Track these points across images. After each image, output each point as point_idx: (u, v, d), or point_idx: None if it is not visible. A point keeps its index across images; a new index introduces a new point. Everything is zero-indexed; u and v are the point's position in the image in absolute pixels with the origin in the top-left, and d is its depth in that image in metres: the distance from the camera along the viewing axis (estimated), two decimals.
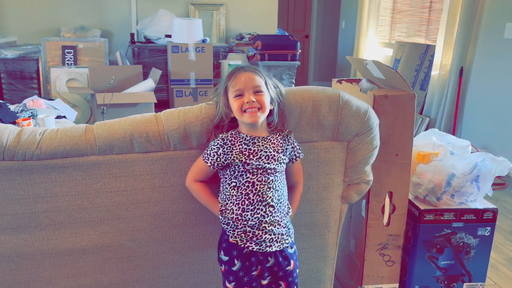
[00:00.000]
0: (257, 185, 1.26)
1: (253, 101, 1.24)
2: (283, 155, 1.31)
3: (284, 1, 7.08)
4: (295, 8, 7.35)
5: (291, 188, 1.41)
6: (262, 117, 1.26)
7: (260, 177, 1.26)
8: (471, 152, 1.88)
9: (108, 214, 1.40)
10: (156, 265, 1.49)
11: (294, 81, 4.74)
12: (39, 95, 4.09)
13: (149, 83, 3.99)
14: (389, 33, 5.68)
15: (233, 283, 1.32)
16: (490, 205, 1.76)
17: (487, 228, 1.75)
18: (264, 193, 1.26)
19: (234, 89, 1.26)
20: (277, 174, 1.29)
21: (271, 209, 1.27)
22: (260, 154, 1.27)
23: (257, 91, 1.26)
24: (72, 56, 4.41)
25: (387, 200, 1.68)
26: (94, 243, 1.41)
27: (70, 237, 1.39)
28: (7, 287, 1.41)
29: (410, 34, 5.19)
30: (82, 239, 1.40)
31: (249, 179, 1.26)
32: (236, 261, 1.30)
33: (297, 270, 1.38)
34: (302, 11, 7.39)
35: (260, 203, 1.26)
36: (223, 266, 1.33)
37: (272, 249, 1.28)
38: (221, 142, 1.28)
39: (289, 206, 1.36)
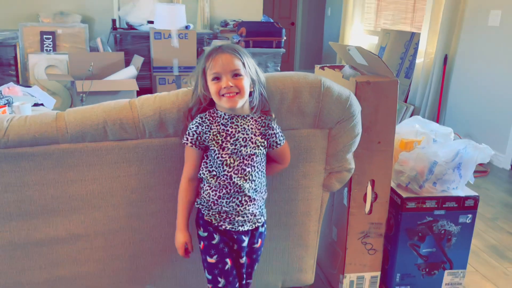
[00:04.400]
0: (234, 178, 1.25)
1: (231, 86, 1.19)
2: (261, 138, 1.28)
3: None
4: None
5: (274, 162, 1.39)
6: (240, 101, 1.22)
7: (237, 169, 1.25)
8: (454, 140, 1.87)
9: (83, 203, 1.35)
10: (134, 254, 1.46)
11: (279, 69, 4.70)
12: (17, 83, 3.98)
13: (131, 71, 3.91)
14: (374, 20, 5.65)
15: (215, 256, 1.31)
16: (472, 193, 1.76)
17: (468, 215, 1.75)
18: (241, 185, 1.26)
19: (212, 71, 1.21)
20: (253, 163, 1.27)
21: (246, 198, 1.28)
22: (238, 136, 1.25)
23: (236, 75, 1.21)
24: (51, 42, 4.29)
25: (369, 188, 1.66)
26: (68, 233, 1.37)
27: (42, 228, 1.35)
28: None
29: (396, 21, 5.18)
30: (56, 229, 1.36)
31: (226, 172, 1.25)
32: (215, 235, 1.31)
33: (262, 248, 1.41)
34: None
35: (237, 193, 1.27)
36: (203, 242, 1.33)
37: (244, 228, 1.31)
38: (199, 120, 1.25)
39: (266, 189, 1.35)
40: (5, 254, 1.35)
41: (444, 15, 3.95)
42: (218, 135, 1.24)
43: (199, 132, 1.24)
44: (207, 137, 1.24)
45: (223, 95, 1.20)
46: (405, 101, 4.52)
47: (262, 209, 1.35)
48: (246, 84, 1.22)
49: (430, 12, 4.17)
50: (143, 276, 1.50)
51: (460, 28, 3.91)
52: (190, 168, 1.29)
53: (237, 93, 1.20)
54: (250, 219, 1.31)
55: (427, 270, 1.80)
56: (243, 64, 1.22)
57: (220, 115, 1.25)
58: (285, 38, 4.63)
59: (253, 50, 4.40)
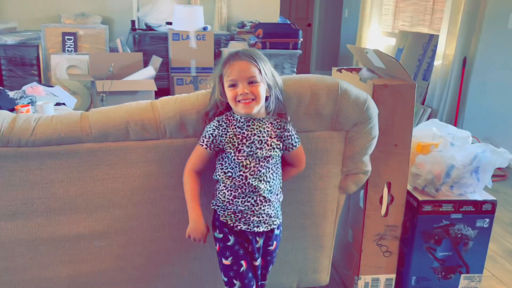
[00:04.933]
0: (249, 178, 1.27)
1: (247, 93, 1.22)
2: (277, 141, 1.30)
3: None
4: None
5: (290, 166, 1.41)
6: (256, 107, 1.25)
7: (253, 170, 1.27)
8: (472, 143, 1.86)
9: (105, 201, 1.39)
10: (153, 252, 1.49)
11: (295, 70, 4.70)
12: (39, 82, 4.07)
13: (150, 71, 3.96)
14: (392, 22, 5.62)
15: (230, 258, 1.33)
16: (490, 197, 1.75)
17: (485, 219, 1.74)
18: (256, 185, 1.28)
19: (228, 78, 1.24)
20: (269, 165, 1.29)
21: (261, 198, 1.30)
22: (253, 139, 1.27)
23: (252, 82, 1.23)
24: (73, 43, 4.38)
25: (386, 190, 1.67)
26: (90, 230, 1.41)
27: (66, 224, 1.39)
28: (4, 273, 1.41)
29: (414, 23, 5.13)
30: (79, 226, 1.40)
31: (242, 173, 1.27)
32: (230, 237, 1.33)
33: (277, 250, 1.43)
34: None
35: (252, 193, 1.29)
36: (218, 244, 1.35)
37: (259, 229, 1.32)
38: (216, 123, 1.28)
39: (281, 191, 1.37)
40: (30, 249, 1.40)
41: (463, 17, 3.91)
42: (234, 137, 1.27)
43: (215, 135, 1.27)
44: (223, 140, 1.27)
45: (239, 101, 1.23)
46: (423, 104, 4.48)
47: (277, 211, 1.37)
48: (262, 90, 1.24)
49: (449, 14, 4.13)
50: (162, 273, 1.53)
51: (479, 31, 3.86)
52: (196, 163, 1.32)
53: (253, 99, 1.23)
54: (266, 219, 1.32)
55: (443, 273, 1.80)
56: (259, 70, 1.24)
57: (237, 119, 1.28)
58: (301, 39, 4.63)
59: (269, 51, 4.42)
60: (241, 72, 1.22)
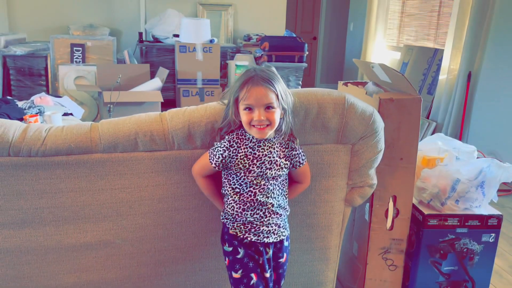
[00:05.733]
0: (258, 195, 1.29)
1: (263, 120, 1.22)
2: (285, 160, 1.32)
3: (292, 2, 7.08)
4: (303, 9, 7.34)
5: (296, 183, 1.43)
6: (270, 132, 1.26)
7: (262, 187, 1.29)
8: (477, 158, 1.87)
9: (112, 211, 1.40)
10: (159, 262, 1.50)
11: (300, 83, 4.74)
12: (47, 92, 4.12)
13: (156, 82, 4.00)
14: (397, 36, 5.66)
15: (240, 271, 1.33)
16: (495, 211, 1.75)
17: (491, 234, 1.74)
18: (265, 201, 1.30)
19: (245, 102, 1.23)
20: (277, 183, 1.31)
21: (270, 211, 1.32)
22: (264, 159, 1.28)
23: (269, 107, 1.23)
24: (81, 54, 4.44)
25: (391, 204, 1.67)
26: (97, 239, 1.42)
27: (73, 233, 1.40)
28: (10, 281, 1.42)
29: (419, 37, 5.17)
30: (86, 235, 1.41)
31: (251, 190, 1.29)
32: (239, 249, 1.33)
33: (287, 263, 1.43)
34: (310, 12, 7.37)
35: (261, 206, 1.31)
36: (228, 258, 1.36)
37: (269, 240, 1.33)
38: (227, 144, 1.28)
39: (288, 205, 1.39)
40: (37, 258, 1.41)
41: (468, 32, 3.93)
42: (245, 158, 1.28)
43: (225, 156, 1.28)
44: (233, 161, 1.28)
45: (253, 126, 1.24)
46: (427, 117, 4.49)
47: (285, 222, 1.38)
48: (277, 116, 1.25)
49: (454, 29, 4.15)
50: (167, 283, 1.53)
51: (484, 45, 3.88)
52: (203, 173, 1.35)
53: (267, 125, 1.24)
54: (275, 230, 1.34)
55: None
56: (277, 96, 1.23)
57: (248, 138, 1.29)
58: (307, 52, 4.67)
59: (275, 64, 4.46)
60: (258, 99, 1.21)
